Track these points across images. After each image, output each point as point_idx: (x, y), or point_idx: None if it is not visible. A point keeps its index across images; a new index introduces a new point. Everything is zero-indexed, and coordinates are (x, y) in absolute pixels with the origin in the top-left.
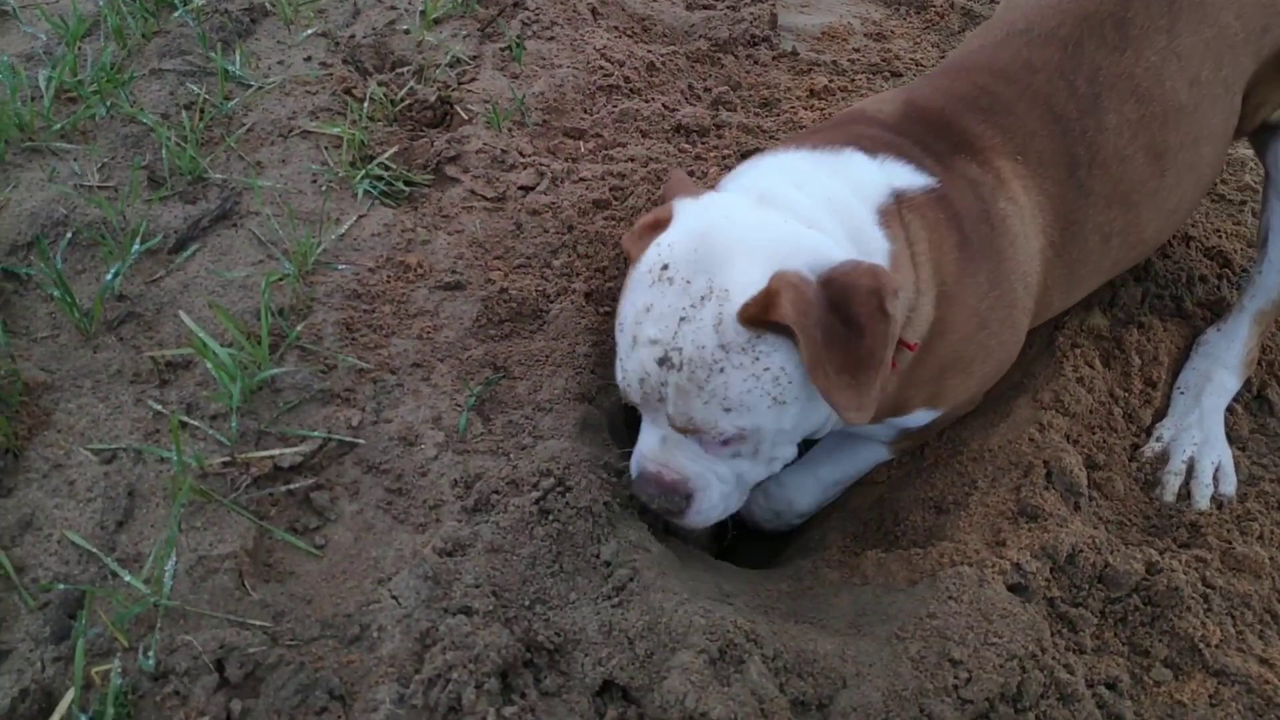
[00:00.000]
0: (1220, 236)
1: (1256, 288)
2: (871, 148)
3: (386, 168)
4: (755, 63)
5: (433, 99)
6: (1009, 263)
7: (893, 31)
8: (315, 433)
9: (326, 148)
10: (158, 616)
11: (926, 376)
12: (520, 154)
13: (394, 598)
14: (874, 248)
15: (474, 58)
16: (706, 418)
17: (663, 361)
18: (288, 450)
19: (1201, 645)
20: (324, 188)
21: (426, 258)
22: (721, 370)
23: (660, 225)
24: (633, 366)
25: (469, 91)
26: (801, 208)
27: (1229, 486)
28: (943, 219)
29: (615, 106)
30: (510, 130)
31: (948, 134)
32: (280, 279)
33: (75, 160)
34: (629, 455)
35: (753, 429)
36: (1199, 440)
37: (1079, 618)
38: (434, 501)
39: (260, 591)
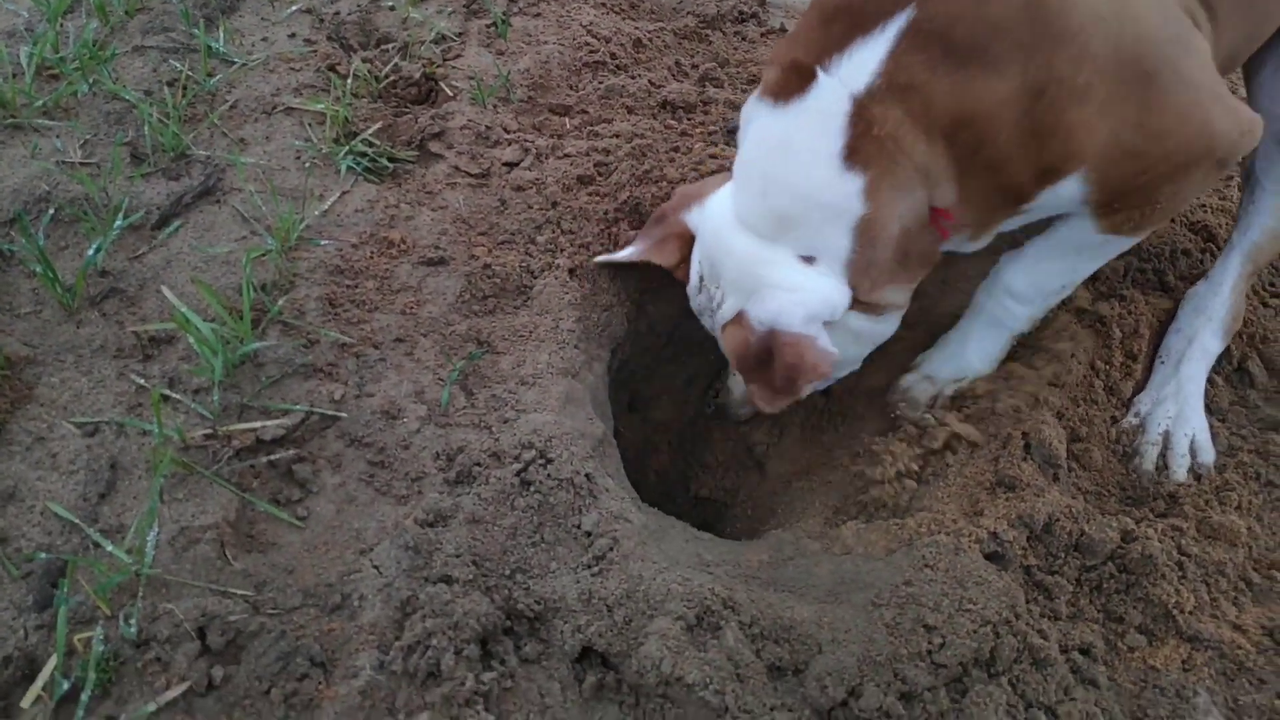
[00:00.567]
0: (1205, 211)
1: (1248, 221)
2: (837, 43)
3: (370, 144)
4: (743, 39)
5: (417, 75)
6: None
7: None
8: (298, 406)
9: (310, 124)
10: (140, 585)
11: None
12: (505, 130)
13: (375, 567)
14: (843, 204)
15: (459, 34)
16: None
17: None
18: (270, 423)
19: (1175, 612)
20: (307, 164)
21: (410, 234)
22: None
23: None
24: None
25: (454, 68)
26: (769, 224)
27: (1206, 457)
28: (924, 59)
29: (601, 83)
30: (495, 107)
31: None
32: (263, 255)
33: (58, 137)
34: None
35: None
36: (1173, 413)
37: (1055, 585)
38: (416, 474)
39: (242, 561)
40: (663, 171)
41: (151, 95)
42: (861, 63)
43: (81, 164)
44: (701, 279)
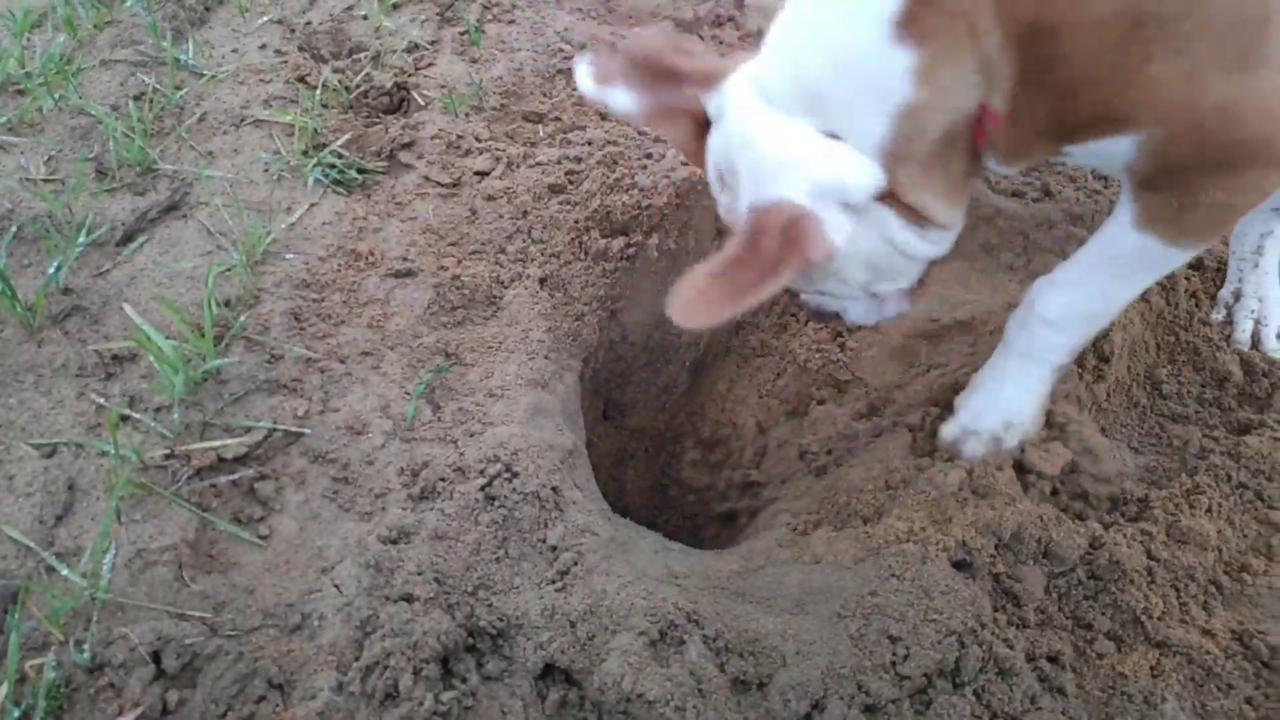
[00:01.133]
0: None
1: None
2: None
3: (339, 155)
4: (721, 43)
5: (389, 85)
6: None
7: None
8: (261, 423)
9: (279, 136)
10: (94, 609)
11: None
12: (476, 139)
13: (336, 586)
14: (887, 83)
15: (432, 42)
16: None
17: None
18: (231, 441)
19: (1144, 617)
20: (276, 176)
21: (378, 245)
22: None
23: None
24: None
25: (426, 77)
26: (796, 97)
27: None
28: None
29: (574, 89)
30: (467, 115)
31: None
32: (228, 270)
33: (22, 153)
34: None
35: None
36: (1255, 306)
37: (1023, 593)
38: (380, 490)
39: (201, 583)
40: (634, 179)
41: (118, 110)
42: None
43: (45, 180)
44: (720, 175)
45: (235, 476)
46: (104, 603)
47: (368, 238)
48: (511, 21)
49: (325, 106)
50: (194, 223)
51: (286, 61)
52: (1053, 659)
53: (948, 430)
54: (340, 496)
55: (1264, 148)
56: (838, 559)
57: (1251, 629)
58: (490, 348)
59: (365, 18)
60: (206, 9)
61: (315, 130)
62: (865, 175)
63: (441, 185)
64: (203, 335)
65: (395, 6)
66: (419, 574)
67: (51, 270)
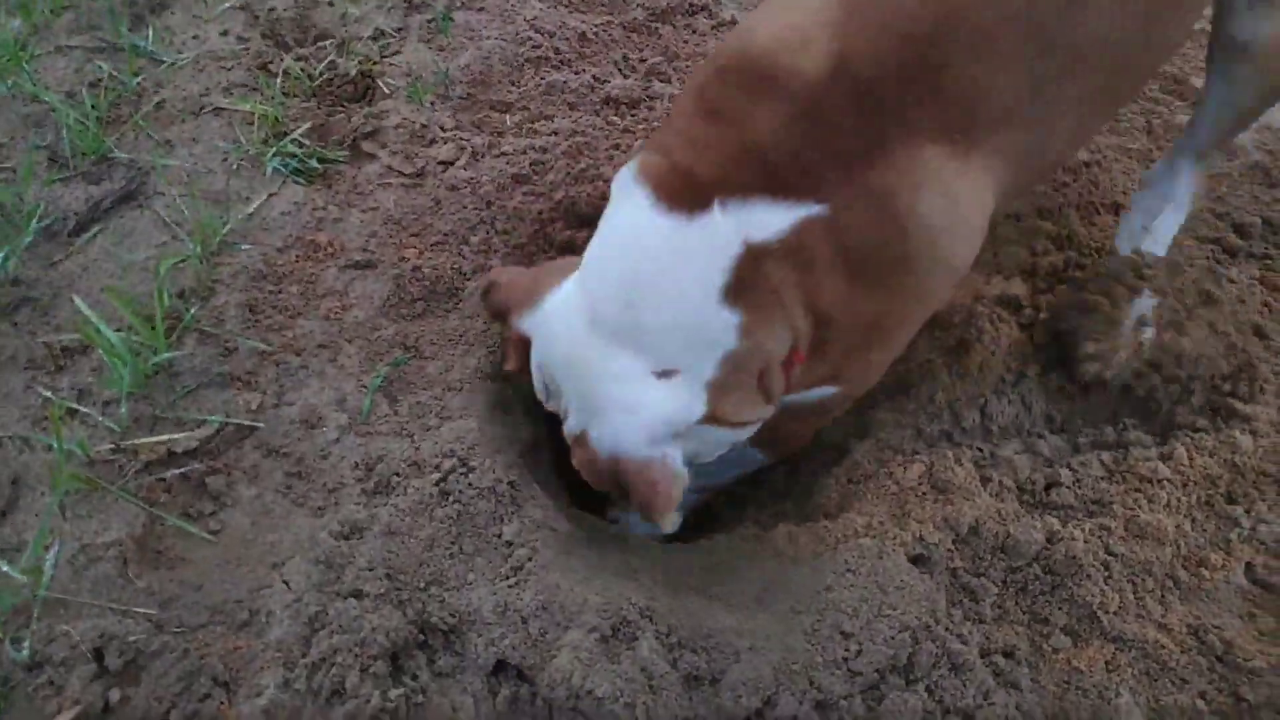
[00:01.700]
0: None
1: (1193, 127)
2: (737, 187)
3: (300, 144)
4: (694, 32)
5: (354, 73)
6: (926, 263)
7: None
8: (213, 417)
9: (239, 125)
10: (35, 606)
11: (822, 366)
12: (441, 129)
13: (285, 582)
14: (717, 336)
15: (399, 30)
16: None
17: None
18: (181, 435)
19: (1100, 612)
20: (234, 166)
21: (338, 236)
22: None
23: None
24: None
25: (391, 65)
26: (627, 333)
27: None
28: (820, 254)
29: (543, 79)
30: (433, 104)
31: (873, 117)
32: (182, 261)
33: None
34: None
35: None
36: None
37: (980, 588)
38: (334, 485)
39: (147, 579)
40: (599, 170)
41: (74, 97)
42: (763, 222)
43: None
44: (545, 388)
45: (185, 470)
46: (45, 600)
47: (327, 228)
48: (481, 9)
49: (287, 95)
50: (149, 213)
51: (248, 49)
52: (1008, 654)
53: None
54: (293, 491)
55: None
56: (797, 553)
57: (1208, 624)
58: (451, 340)
59: (331, 4)
60: None
61: (276, 119)
62: (693, 409)
63: (404, 175)
64: (154, 327)
65: None
66: (370, 570)
67: (0, 260)
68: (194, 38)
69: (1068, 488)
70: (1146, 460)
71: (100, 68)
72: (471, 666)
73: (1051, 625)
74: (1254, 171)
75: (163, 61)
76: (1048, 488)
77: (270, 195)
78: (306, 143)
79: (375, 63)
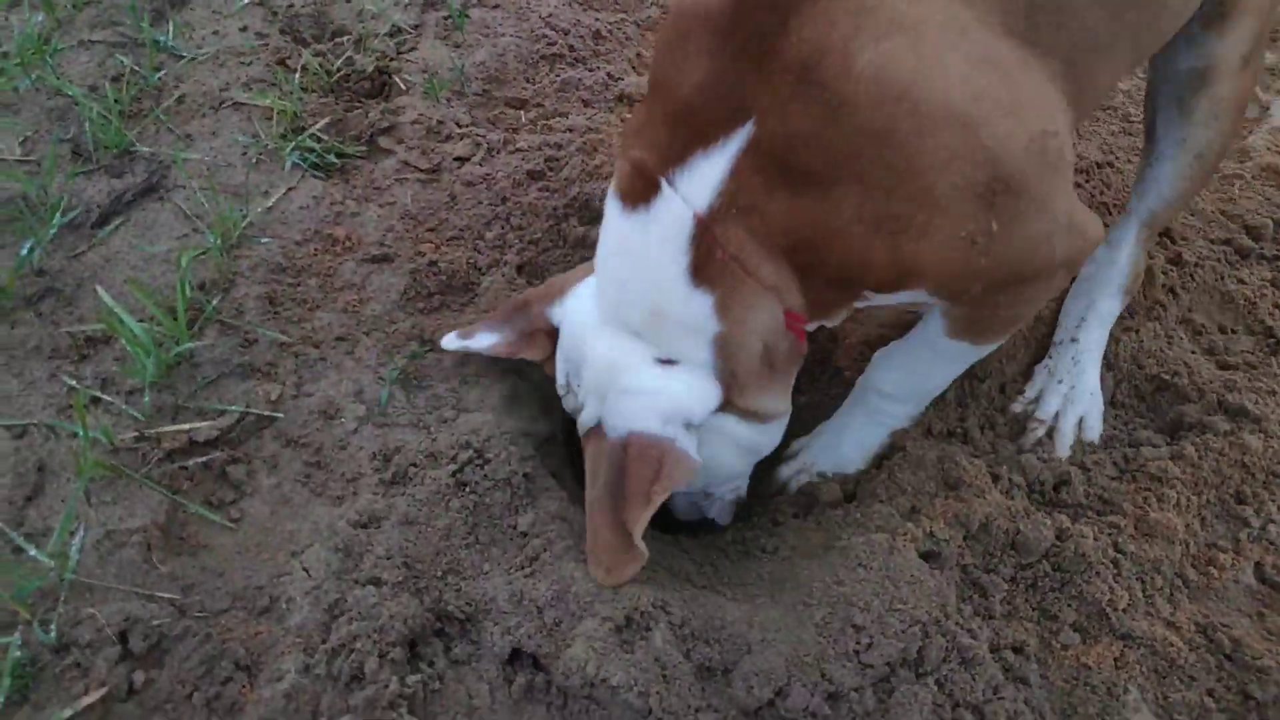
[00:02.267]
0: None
1: (1144, 188)
2: (675, 157)
3: (318, 139)
4: None
5: (370, 69)
6: (905, 125)
7: None
8: (233, 407)
9: (258, 119)
10: (61, 590)
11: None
12: (457, 125)
13: (305, 569)
14: (700, 323)
15: (415, 27)
16: None
17: None
18: (203, 425)
19: (1109, 609)
20: (254, 160)
21: (355, 230)
22: None
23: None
24: None
25: (408, 61)
26: (629, 325)
27: (1092, 435)
28: (758, 184)
29: (558, 76)
30: (449, 100)
31: None
32: (203, 253)
33: None
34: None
35: None
36: (1066, 390)
37: (990, 584)
38: (352, 474)
39: (170, 565)
40: (613, 167)
41: (96, 91)
42: (703, 179)
43: (20, 161)
44: (567, 379)
45: (206, 459)
46: (71, 583)
47: (345, 222)
48: (496, 6)
49: (305, 90)
50: (170, 205)
51: (267, 44)
52: (1017, 649)
53: (784, 470)
54: (312, 481)
55: (1040, 273)
56: (808, 548)
57: (1216, 622)
58: None
59: (348, 0)
60: None
61: (294, 114)
62: (705, 396)
63: (421, 171)
64: (175, 318)
65: None
66: (388, 558)
67: (24, 252)
68: (214, 33)
69: (1078, 486)
70: (1156, 459)
71: (122, 62)
72: (487, 654)
73: (1061, 622)
74: (1266, 173)
75: (183, 56)
76: (1057, 486)
77: (289, 189)
78: (324, 138)
79: (392, 59)
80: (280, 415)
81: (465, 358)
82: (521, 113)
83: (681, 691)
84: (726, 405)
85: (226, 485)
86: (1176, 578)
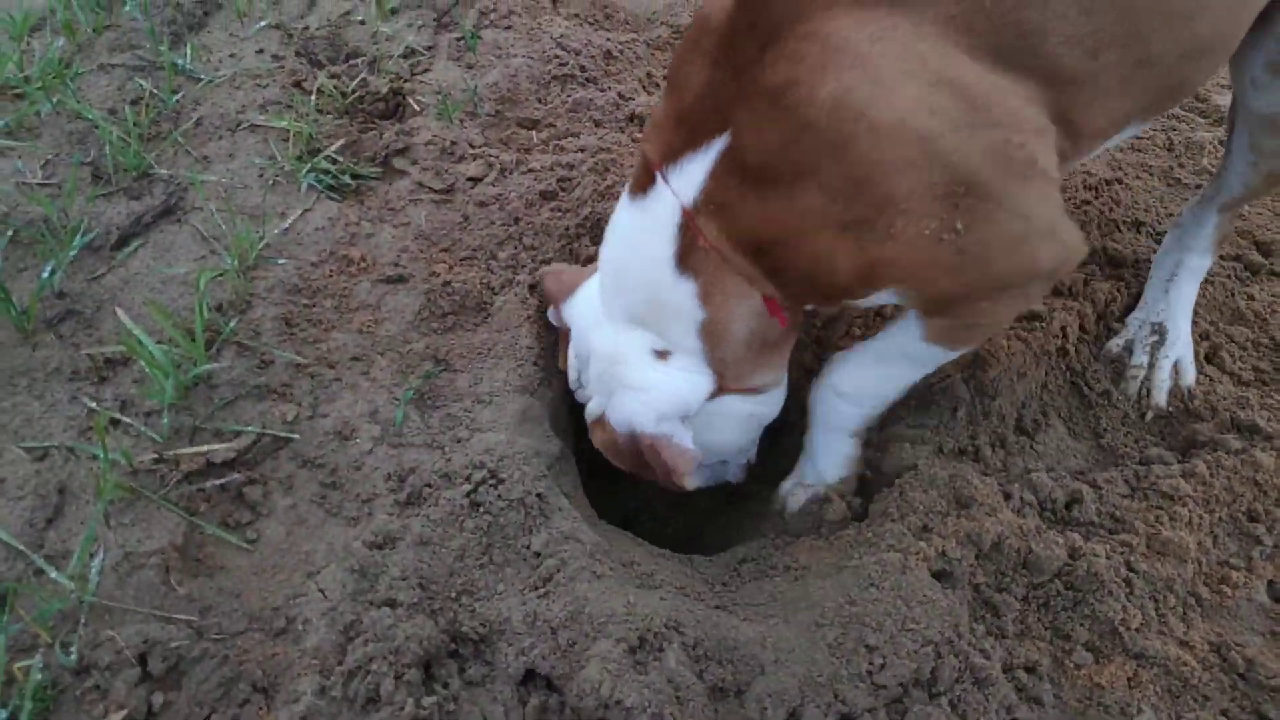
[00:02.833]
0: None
1: (1220, 184)
2: (672, 153)
3: (334, 161)
4: None
5: (385, 90)
6: (864, 143)
7: None
8: (250, 428)
9: (274, 141)
10: (81, 612)
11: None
12: (470, 145)
13: (321, 591)
14: (684, 308)
15: (429, 48)
16: None
17: None
18: (220, 446)
19: (1122, 629)
20: (270, 182)
21: (370, 251)
22: None
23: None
24: None
25: (421, 83)
26: (627, 316)
27: (1188, 380)
28: (732, 186)
29: (569, 96)
30: (462, 121)
31: (767, 17)
32: (220, 275)
33: (19, 157)
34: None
35: None
36: (1158, 337)
37: (1002, 603)
38: (367, 495)
39: (187, 586)
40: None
41: (115, 114)
42: (690, 176)
43: (42, 185)
44: (578, 374)
45: (224, 481)
46: (91, 605)
47: (360, 243)
48: (508, 27)
49: (321, 112)
50: (188, 227)
51: (283, 66)
52: (1030, 669)
53: (784, 486)
54: (328, 501)
55: (1019, 279)
56: (819, 567)
57: (1229, 641)
58: (480, 354)
59: (362, 23)
60: (205, 13)
61: (310, 136)
62: (698, 387)
63: (435, 191)
64: (194, 340)
65: (393, 12)
66: (403, 579)
67: (45, 274)
68: (231, 56)
69: (1089, 504)
70: (1168, 477)
71: (141, 85)
72: (502, 675)
73: (1073, 641)
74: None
75: (201, 79)
76: (1069, 504)
77: (305, 211)
78: (340, 159)
79: (406, 80)
80: (296, 436)
81: (479, 376)
82: (534, 133)
83: (695, 712)
84: (722, 390)
85: (243, 506)
86: (1189, 596)
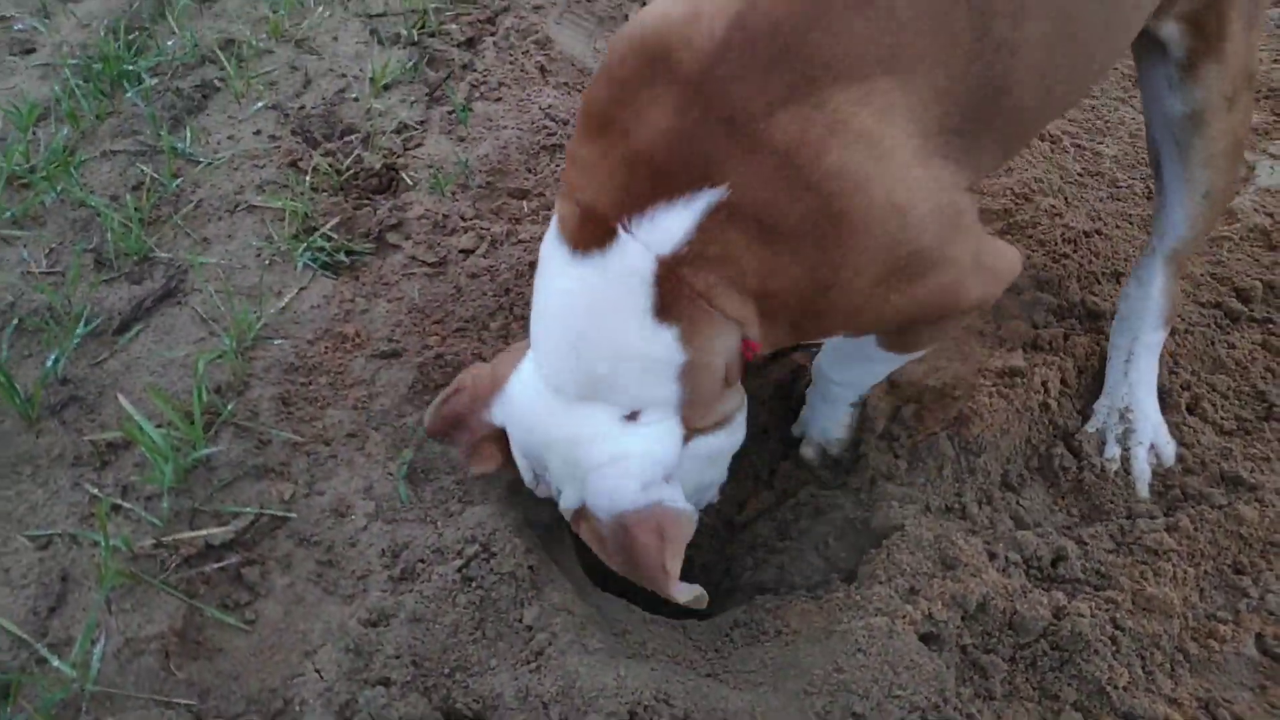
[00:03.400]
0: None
1: (1163, 227)
2: (633, 203)
3: (329, 238)
4: None
5: (378, 166)
6: (858, 213)
7: None
8: (248, 509)
9: (271, 221)
10: (83, 700)
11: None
12: (462, 218)
13: (317, 670)
14: (664, 355)
15: (421, 122)
16: None
17: None
18: (218, 530)
19: (1109, 688)
20: (267, 261)
21: (365, 326)
22: None
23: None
24: None
25: (414, 157)
26: (586, 385)
27: (1168, 460)
28: (733, 239)
29: (558, 165)
30: (454, 194)
31: (772, 72)
32: (219, 356)
33: (24, 246)
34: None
35: None
36: (1126, 425)
37: (990, 665)
38: (362, 571)
39: (187, 670)
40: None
41: (117, 200)
42: (667, 229)
43: (46, 273)
44: (534, 471)
45: (223, 564)
46: (93, 693)
47: (355, 319)
48: (498, 99)
49: (316, 190)
50: (188, 310)
51: (279, 146)
52: None
53: (795, 429)
54: (324, 579)
55: (956, 311)
56: (809, 631)
57: (1218, 697)
58: None
59: (356, 99)
60: (204, 96)
61: (305, 214)
62: (672, 434)
63: (427, 265)
64: (193, 423)
65: (386, 87)
66: (397, 657)
67: (49, 363)
68: (229, 137)
69: (1074, 561)
70: (1152, 532)
71: (142, 170)
72: None
73: (1062, 701)
74: (1253, 234)
75: (199, 162)
76: (1054, 561)
77: (301, 289)
78: (335, 236)
79: (399, 155)
80: (294, 515)
81: None
82: (524, 203)
83: None
84: (691, 434)
85: (241, 587)
86: (1176, 652)
